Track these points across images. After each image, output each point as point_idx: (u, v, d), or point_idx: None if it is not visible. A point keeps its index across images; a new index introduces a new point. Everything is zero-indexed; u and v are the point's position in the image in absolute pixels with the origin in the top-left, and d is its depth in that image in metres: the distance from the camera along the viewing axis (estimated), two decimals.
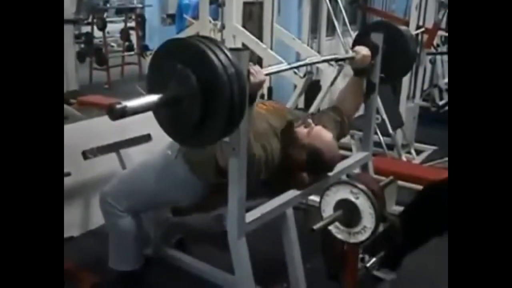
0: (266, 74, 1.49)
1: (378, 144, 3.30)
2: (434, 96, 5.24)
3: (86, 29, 7.01)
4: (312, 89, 3.41)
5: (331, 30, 4.60)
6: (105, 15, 7.21)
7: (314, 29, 4.81)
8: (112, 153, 2.40)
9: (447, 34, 4.79)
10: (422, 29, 4.09)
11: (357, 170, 2.16)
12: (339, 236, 1.46)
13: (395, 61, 2.01)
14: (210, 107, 1.15)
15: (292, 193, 1.72)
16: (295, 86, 3.21)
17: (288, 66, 1.74)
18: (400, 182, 2.46)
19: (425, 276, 2.27)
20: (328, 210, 1.45)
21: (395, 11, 5.88)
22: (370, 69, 1.98)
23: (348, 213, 1.41)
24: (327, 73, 3.08)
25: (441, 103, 5.22)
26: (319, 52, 4.45)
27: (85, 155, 2.34)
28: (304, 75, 3.07)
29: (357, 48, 1.93)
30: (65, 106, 3.59)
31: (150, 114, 1.22)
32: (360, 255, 1.66)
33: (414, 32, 3.70)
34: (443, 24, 4.63)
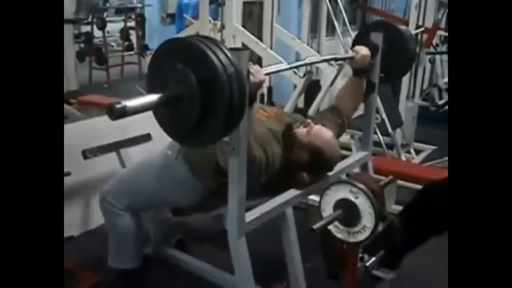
0: (266, 74, 1.49)
1: (377, 143, 3.30)
2: (433, 96, 5.24)
3: (86, 28, 7.01)
4: (312, 88, 3.41)
5: (331, 29, 4.60)
6: (104, 14, 7.21)
7: (314, 29, 4.81)
8: (112, 153, 2.40)
9: (446, 34, 4.79)
10: (422, 29, 4.09)
11: (356, 170, 2.16)
12: (339, 235, 1.46)
13: (395, 60, 2.01)
14: (209, 106, 1.15)
15: (292, 193, 1.72)
16: (295, 86, 3.21)
17: (288, 66, 1.73)
18: (399, 182, 2.47)
19: (425, 275, 2.28)
20: (327, 210, 1.45)
21: (395, 10, 5.89)
22: (370, 69, 1.97)
23: (347, 213, 1.41)
24: (327, 72, 3.08)
25: (440, 102, 5.22)
26: (318, 52, 4.45)
27: (85, 154, 2.34)
28: (304, 75, 3.08)
29: (357, 48, 1.93)
30: (65, 105, 3.58)
31: (150, 113, 1.22)
32: (360, 255, 1.66)
33: (413, 32, 3.70)
34: (443, 24, 4.64)
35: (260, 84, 1.46)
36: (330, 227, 1.45)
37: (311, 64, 2.14)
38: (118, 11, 7.98)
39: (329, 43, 4.81)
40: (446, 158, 3.65)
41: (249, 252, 1.52)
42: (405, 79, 3.93)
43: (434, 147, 4.12)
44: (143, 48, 6.57)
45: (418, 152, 4.05)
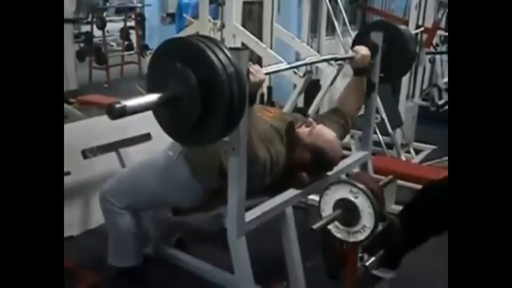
0: (266, 74, 1.49)
1: (377, 143, 3.30)
2: (433, 96, 5.24)
3: (85, 28, 7.01)
4: (311, 88, 3.41)
5: (331, 29, 4.60)
6: (104, 14, 7.21)
7: (314, 29, 4.80)
8: (111, 152, 2.40)
9: (446, 34, 4.79)
10: (422, 29, 4.09)
11: (356, 169, 2.17)
12: (339, 235, 1.46)
13: (395, 60, 2.01)
14: (209, 106, 1.15)
15: (291, 192, 1.72)
16: (295, 86, 3.21)
17: (288, 66, 1.73)
18: (399, 181, 2.47)
19: (425, 275, 2.28)
20: (327, 209, 1.45)
21: (395, 10, 5.88)
22: (370, 68, 1.98)
23: (347, 212, 1.41)
24: (327, 72, 3.08)
25: (440, 102, 5.22)
26: (318, 51, 4.44)
27: (85, 154, 2.34)
28: (304, 75, 3.07)
29: (357, 47, 1.93)
30: (65, 105, 3.58)
31: (149, 113, 1.22)
32: (359, 254, 1.66)
33: (413, 32, 3.70)
34: (443, 24, 4.64)
35: (260, 83, 1.46)
36: (330, 227, 1.45)
37: (311, 63, 2.14)
38: (118, 10, 7.98)
39: (329, 43, 4.81)
40: (446, 158, 3.65)
41: (249, 252, 1.52)
42: (405, 79, 3.93)
43: (434, 147, 4.12)
44: (143, 48, 6.57)
45: (418, 152, 4.05)
